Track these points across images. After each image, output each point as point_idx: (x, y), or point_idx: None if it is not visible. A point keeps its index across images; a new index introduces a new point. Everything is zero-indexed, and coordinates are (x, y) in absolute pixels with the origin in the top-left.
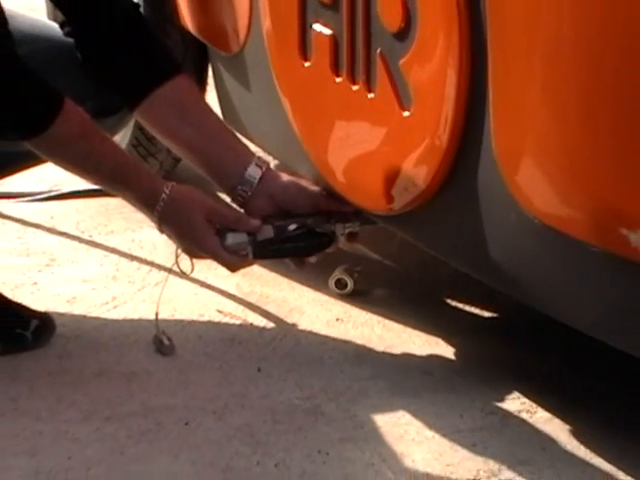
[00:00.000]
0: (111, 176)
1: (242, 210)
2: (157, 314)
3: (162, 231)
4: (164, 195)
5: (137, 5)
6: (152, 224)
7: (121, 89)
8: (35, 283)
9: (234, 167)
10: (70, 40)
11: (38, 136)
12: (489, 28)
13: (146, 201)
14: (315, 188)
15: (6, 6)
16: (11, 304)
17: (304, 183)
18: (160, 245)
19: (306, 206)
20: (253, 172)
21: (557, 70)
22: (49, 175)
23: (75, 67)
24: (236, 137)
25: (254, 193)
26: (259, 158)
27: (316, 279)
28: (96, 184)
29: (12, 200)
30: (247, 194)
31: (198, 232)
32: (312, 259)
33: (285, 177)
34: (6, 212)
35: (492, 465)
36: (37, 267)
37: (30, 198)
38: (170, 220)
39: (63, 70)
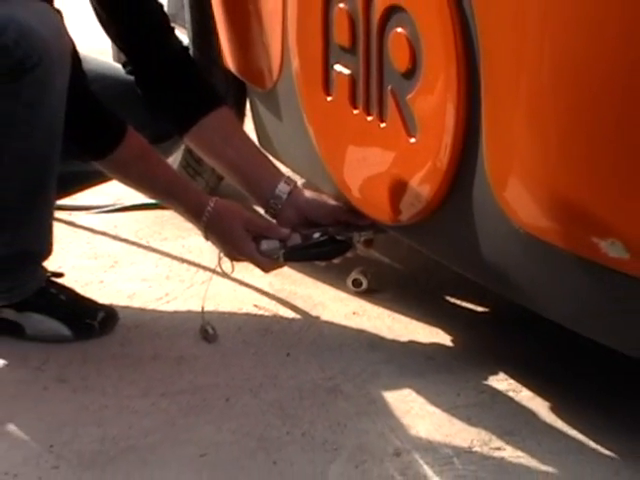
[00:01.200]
0: (165, 192)
1: (274, 220)
2: (203, 308)
3: (207, 238)
4: (209, 208)
5: (186, 48)
6: (199, 232)
7: (173, 118)
8: (101, 281)
9: (267, 184)
10: (131, 78)
11: (106, 158)
12: (482, 71)
13: (194, 213)
14: (334, 202)
15: (80, 50)
16: (82, 299)
17: (325, 198)
18: (205, 250)
19: (327, 217)
20: (283, 189)
21: (537, 109)
22: (113, 191)
23: (136, 100)
24: (269, 159)
25: (283, 206)
26: (288, 177)
27: (336, 279)
28: (152, 198)
29: (83, 212)
30: (278, 207)
31: (238, 239)
32: (334, 261)
33: (309, 193)
34: (78, 222)
35: (484, 435)
36: (103, 268)
37: (97, 210)
38: (214, 229)
39: (126, 103)
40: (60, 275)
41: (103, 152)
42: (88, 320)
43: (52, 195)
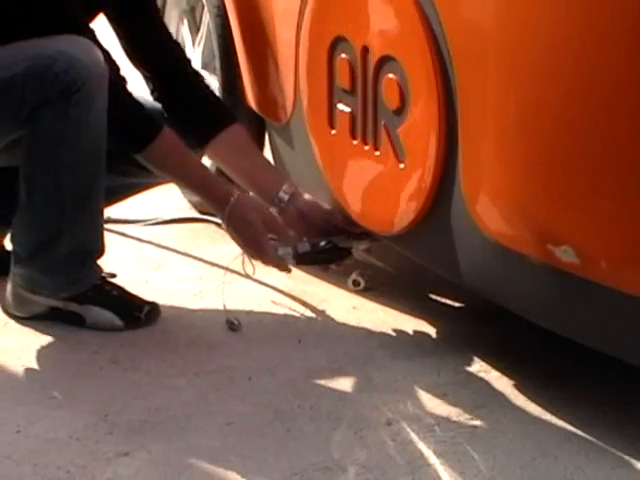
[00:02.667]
0: (196, 182)
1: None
2: (224, 306)
3: (228, 226)
4: (232, 199)
5: (202, 76)
6: (227, 241)
7: (194, 135)
8: (147, 281)
9: (273, 188)
10: (158, 104)
11: (145, 148)
12: (459, 110)
13: (219, 203)
14: (327, 206)
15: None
16: (131, 295)
17: (320, 202)
18: (232, 256)
19: (321, 217)
20: (286, 191)
21: (503, 140)
22: (156, 208)
23: (164, 122)
24: (274, 167)
25: (286, 205)
26: (290, 182)
27: (339, 279)
28: (184, 187)
29: (132, 225)
30: (281, 206)
31: (256, 230)
32: (338, 265)
33: (307, 196)
34: (128, 233)
35: (460, 408)
36: (148, 270)
37: (144, 223)
38: (235, 219)
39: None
40: (113, 276)
41: (143, 144)
42: (136, 313)
43: (101, 199)
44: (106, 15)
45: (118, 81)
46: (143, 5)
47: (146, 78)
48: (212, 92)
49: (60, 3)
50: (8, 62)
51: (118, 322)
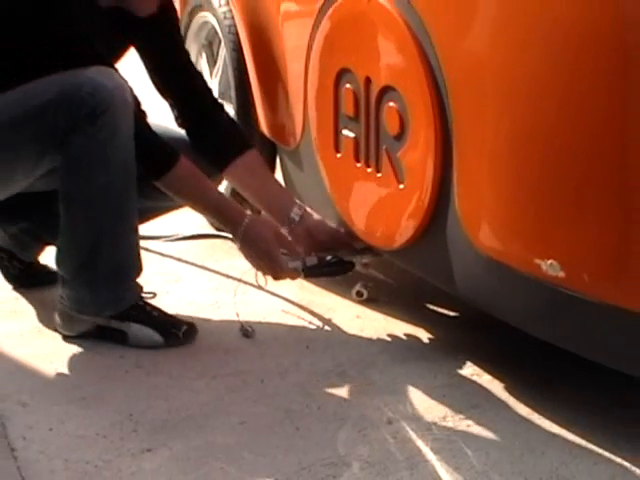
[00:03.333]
0: (210, 205)
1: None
2: (239, 314)
3: (242, 245)
4: (246, 220)
5: (222, 105)
6: (241, 256)
7: (214, 159)
8: (168, 292)
9: (284, 209)
10: (181, 130)
11: (163, 176)
12: (454, 135)
13: (233, 225)
14: (333, 225)
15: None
16: (169, 315)
17: (327, 221)
18: (246, 269)
19: (327, 235)
20: (296, 212)
21: (495, 165)
22: (176, 225)
23: (187, 147)
24: (286, 190)
25: (296, 225)
26: (300, 204)
27: (343, 290)
28: (199, 211)
29: (154, 240)
30: (292, 226)
31: (269, 245)
32: (342, 277)
33: (316, 216)
34: (151, 248)
35: (454, 408)
36: (169, 282)
37: (165, 239)
38: (249, 238)
39: (180, 149)
40: (154, 295)
41: (161, 172)
42: (174, 330)
43: (135, 219)
44: (136, 48)
45: (139, 114)
46: (170, 39)
47: (171, 106)
48: (231, 120)
49: (87, 43)
50: (41, 90)
51: (158, 338)
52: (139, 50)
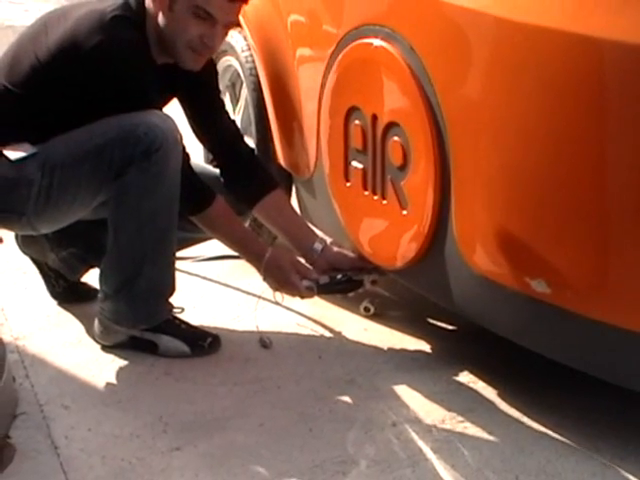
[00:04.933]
0: (237, 242)
1: (310, 266)
2: (258, 327)
3: (265, 275)
4: (267, 254)
5: (253, 150)
6: (259, 276)
7: (244, 198)
8: (194, 307)
9: (307, 243)
10: (216, 170)
11: (200, 213)
12: (452, 167)
13: (256, 259)
14: (352, 255)
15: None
16: (195, 328)
17: (346, 252)
18: (265, 287)
19: (347, 264)
20: (318, 246)
21: (488, 194)
22: (202, 247)
23: (221, 186)
24: (308, 226)
25: (318, 257)
26: (321, 238)
27: (352, 306)
28: (227, 246)
29: (182, 261)
30: (314, 258)
31: (288, 274)
32: (351, 294)
33: (336, 248)
34: (179, 267)
35: (452, 412)
36: (195, 298)
37: (191, 260)
38: (271, 268)
39: (215, 188)
40: (182, 309)
41: (199, 209)
42: (201, 342)
43: (174, 245)
44: (178, 98)
45: (183, 157)
46: (209, 92)
47: (207, 150)
48: (260, 164)
49: (143, 91)
50: (102, 130)
51: (186, 349)
52: (181, 100)
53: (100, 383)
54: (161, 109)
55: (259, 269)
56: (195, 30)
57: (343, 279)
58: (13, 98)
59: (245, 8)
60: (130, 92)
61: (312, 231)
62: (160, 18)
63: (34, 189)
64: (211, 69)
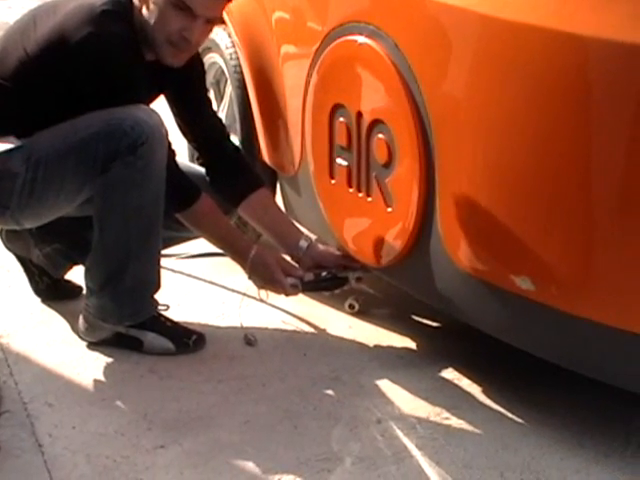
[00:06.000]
0: (223, 239)
1: (296, 264)
2: (242, 324)
3: (250, 273)
4: (253, 252)
5: (239, 148)
6: (244, 273)
7: (229, 196)
8: (179, 304)
9: (292, 241)
10: (202, 169)
11: (187, 209)
12: (436, 164)
13: (242, 256)
14: (337, 252)
15: None
16: (180, 326)
17: (332, 250)
18: (249, 284)
19: (332, 262)
20: (303, 243)
21: (473, 192)
22: (187, 244)
23: (206, 184)
24: (293, 223)
25: (303, 255)
26: (306, 236)
27: (337, 303)
28: (212, 243)
29: (167, 258)
30: (299, 255)
31: (273, 271)
32: (336, 291)
33: (321, 246)
34: (164, 265)
35: (437, 408)
36: (180, 296)
37: (176, 257)
38: (256, 266)
39: (200, 186)
40: (167, 307)
41: (185, 206)
42: (185, 339)
43: (159, 241)
44: (165, 95)
45: (169, 153)
46: (196, 90)
47: (193, 147)
48: (246, 162)
49: (132, 86)
50: (86, 124)
51: (171, 346)
52: (168, 97)
53: (84, 381)
54: (147, 105)
55: (244, 267)
56: (175, 23)
57: (328, 277)
58: (1, 91)
59: (229, 5)
60: (118, 87)
61: (297, 229)
62: (144, 12)
63: (18, 182)
64: (199, 67)
